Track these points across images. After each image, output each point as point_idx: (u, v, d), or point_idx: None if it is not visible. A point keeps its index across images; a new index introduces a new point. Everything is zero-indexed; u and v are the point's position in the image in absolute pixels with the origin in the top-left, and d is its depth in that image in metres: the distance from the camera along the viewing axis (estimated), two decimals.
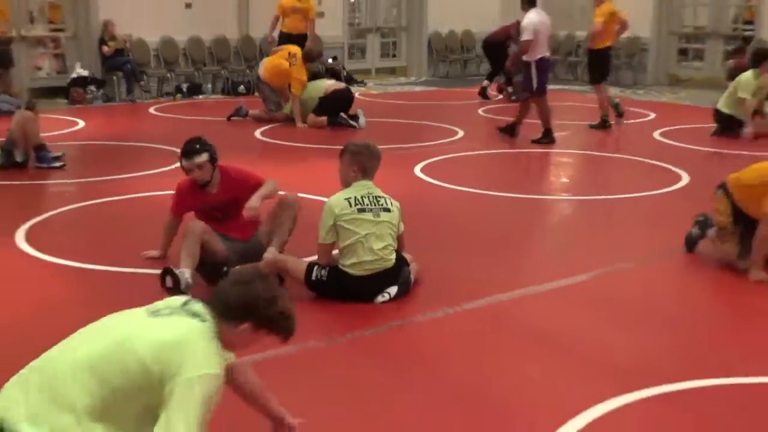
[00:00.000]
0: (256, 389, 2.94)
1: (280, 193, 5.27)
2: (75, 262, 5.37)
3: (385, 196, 4.79)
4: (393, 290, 4.73)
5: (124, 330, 2.54)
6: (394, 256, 4.75)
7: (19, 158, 8.13)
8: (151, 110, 12.55)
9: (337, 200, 4.66)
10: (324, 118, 11.00)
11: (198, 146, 5.06)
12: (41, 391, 2.40)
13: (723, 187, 5.32)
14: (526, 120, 10.11)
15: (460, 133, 10.44)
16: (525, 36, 10.13)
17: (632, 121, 11.82)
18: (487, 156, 9.47)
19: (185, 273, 4.68)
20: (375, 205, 4.68)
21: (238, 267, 4.70)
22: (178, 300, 2.66)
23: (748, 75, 10.22)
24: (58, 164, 8.23)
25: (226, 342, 2.58)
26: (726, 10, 15.84)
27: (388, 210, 4.73)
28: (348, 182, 4.75)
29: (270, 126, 10.83)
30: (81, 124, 11.10)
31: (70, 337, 2.61)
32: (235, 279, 2.79)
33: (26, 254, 5.56)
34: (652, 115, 12.33)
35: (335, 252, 4.83)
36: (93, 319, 2.51)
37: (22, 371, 2.50)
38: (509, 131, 10.22)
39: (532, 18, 10.17)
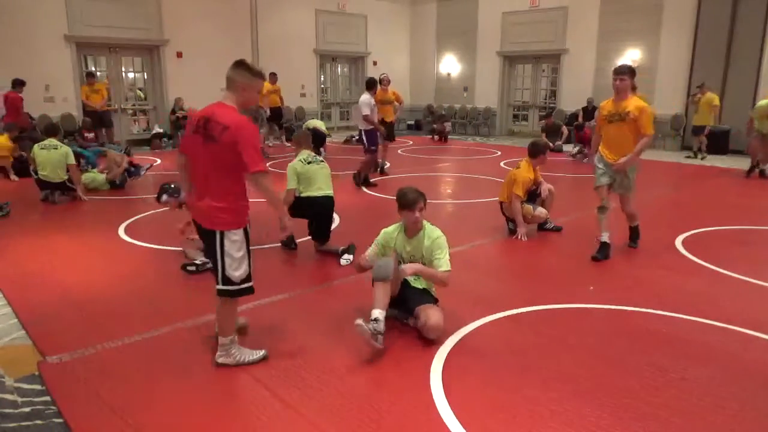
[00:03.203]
0: None
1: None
2: (153, 245, 5.24)
3: (319, 157, 4.93)
4: (350, 257, 4.70)
5: None
6: (332, 190, 4.89)
7: (117, 181, 8.03)
8: None
9: (295, 163, 4.78)
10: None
11: (165, 189, 4.90)
12: None
13: None
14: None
15: (387, 164, 10.32)
16: (365, 111, 8.22)
17: (487, 156, 11.89)
18: (402, 177, 9.35)
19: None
20: (314, 159, 4.86)
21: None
22: None
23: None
24: (145, 168, 8.72)
25: None
26: (539, 92, 16.02)
27: (323, 161, 4.94)
28: (297, 153, 4.90)
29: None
30: (158, 161, 10.81)
31: None
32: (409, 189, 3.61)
33: (125, 241, 5.43)
34: (499, 153, 12.39)
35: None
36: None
37: None
38: (377, 170, 9.15)
39: (368, 98, 8.29)
